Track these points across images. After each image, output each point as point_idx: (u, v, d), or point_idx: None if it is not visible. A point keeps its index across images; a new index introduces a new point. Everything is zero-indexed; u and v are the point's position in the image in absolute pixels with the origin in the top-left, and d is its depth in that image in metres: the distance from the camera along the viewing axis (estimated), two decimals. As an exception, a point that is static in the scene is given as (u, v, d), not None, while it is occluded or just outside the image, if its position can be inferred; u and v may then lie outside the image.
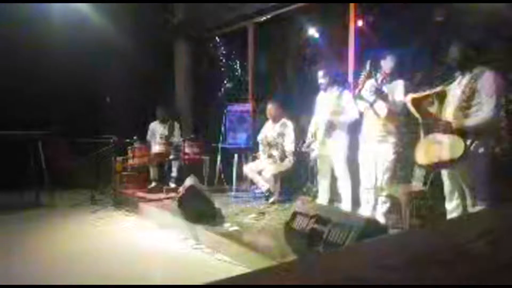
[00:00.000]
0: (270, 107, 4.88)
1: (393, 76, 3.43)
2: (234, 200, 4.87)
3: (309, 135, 4.17)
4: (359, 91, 3.38)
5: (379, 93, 3.28)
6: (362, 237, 2.29)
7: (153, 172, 5.77)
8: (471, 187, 2.71)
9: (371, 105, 3.41)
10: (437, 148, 2.66)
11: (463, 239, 0.77)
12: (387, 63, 3.43)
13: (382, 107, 3.37)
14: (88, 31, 6.04)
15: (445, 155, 2.59)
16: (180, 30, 7.11)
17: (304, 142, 4.25)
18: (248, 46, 6.10)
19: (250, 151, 5.42)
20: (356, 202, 3.82)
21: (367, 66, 3.32)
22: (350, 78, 4.41)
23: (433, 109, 2.86)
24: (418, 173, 3.42)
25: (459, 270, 0.62)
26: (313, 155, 4.16)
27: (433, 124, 2.79)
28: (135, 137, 5.85)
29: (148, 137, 6.03)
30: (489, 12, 3.40)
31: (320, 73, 4.02)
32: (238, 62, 7.04)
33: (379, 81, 3.40)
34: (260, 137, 4.96)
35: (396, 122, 3.41)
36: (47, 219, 4.58)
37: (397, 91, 3.34)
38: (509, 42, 3.37)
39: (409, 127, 3.62)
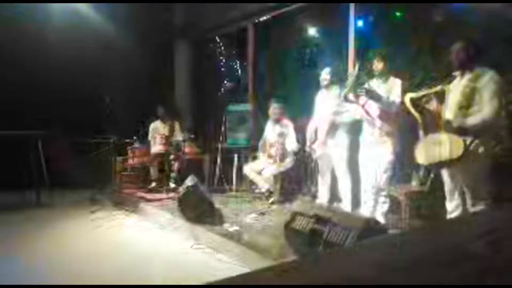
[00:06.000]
0: (271, 107, 4.88)
1: (384, 75, 3.42)
2: (234, 200, 4.87)
3: (308, 135, 4.16)
4: (347, 92, 3.35)
5: (370, 94, 3.26)
6: (362, 237, 2.29)
7: (153, 172, 5.77)
8: (471, 187, 2.71)
9: (363, 106, 3.40)
10: (437, 148, 2.65)
11: (463, 239, 0.77)
12: (377, 63, 3.42)
13: (374, 108, 3.36)
14: (88, 31, 6.04)
15: (445, 155, 2.58)
16: (180, 30, 7.11)
17: (304, 142, 4.25)
18: (248, 46, 6.10)
19: (250, 151, 5.42)
20: (356, 202, 3.82)
21: (356, 68, 3.31)
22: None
23: (432, 109, 2.86)
24: (418, 173, 3.41)
25: (460, 270, 0.61)
26: (313, 155, 4.16)
27: (433, 124, 2.79)
28: (135, 137, 5.85)
29: (149, 137, 6.03)
30: (490, 12, 3.40)
31: (323, 72, 4.01)
32: (238, 62, 7.04)
33: (370, 81, 3.39)
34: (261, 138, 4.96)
35: (394, 122, 3.40)
36: (47, 219, 4.58)
37: (394, 91, 3.33)
38: (510, 42, 3.37)
39: (408, 126, 3.61)
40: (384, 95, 3.29)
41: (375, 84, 3.43)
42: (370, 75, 3.46)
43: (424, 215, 3.52)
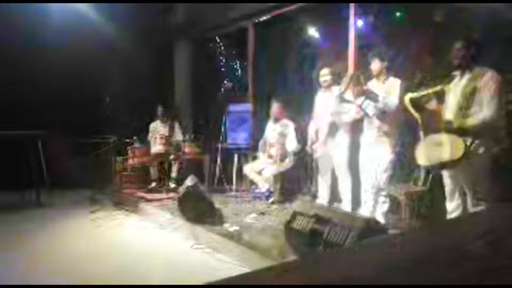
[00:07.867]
0: (271, 107, 4.87)
1: (383, 75, 3.41)
2: (234, 200, 4.86)
3: (309, 136, 4.16)
4: (342, 93, 3.34)
5: (368, 94, 3.25)
6: (362, 237, 2.29)
7: (153, 172, 5.77)
8: (472, 187, 2.70)
9: (360, 106, 3.39)
10: (437, 148, 2.65)
11: (463, 239, 0.77)
12: (375, 63, 3.41)
13: (371, 108, 3.35)
14: (88, 31, 6.04)
15: (446, 155, 2.58)
16: (180, 30, 7.11)
17: (305, 142, 4.25)
18: (248, 46, 6.10)
19: (250, 151, 5.42)
20: (356, 202, 3.82)
21: (353, 67, 3.30)
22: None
23: (432, 109, 2.86)
24: (418, 173, 3.41)
25: (459, 270, 0.61)
26: (314, 155, 4.16)
27: (433, 124, 2.79)
28: (135, 137, 5.85)
29: (149, 137, 6.03)
30: (490, 11, 3.40)
31: (324, 72, 4.00)
32: (238, 62, 7.03)
33: (368, 81, 3.38)
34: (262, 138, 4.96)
35: (393, 122, 3.39)
36: (47, 219, 4.58)
37: (393, 91, 3.32)
38: (509, 42, 3.37)
39: (407, 127, 3.60)
40: (382, 95, 3.29)
41: (374, 84, 3.42)
42: (369, 75, 3.46)
43: (424, 215, 3.52)
